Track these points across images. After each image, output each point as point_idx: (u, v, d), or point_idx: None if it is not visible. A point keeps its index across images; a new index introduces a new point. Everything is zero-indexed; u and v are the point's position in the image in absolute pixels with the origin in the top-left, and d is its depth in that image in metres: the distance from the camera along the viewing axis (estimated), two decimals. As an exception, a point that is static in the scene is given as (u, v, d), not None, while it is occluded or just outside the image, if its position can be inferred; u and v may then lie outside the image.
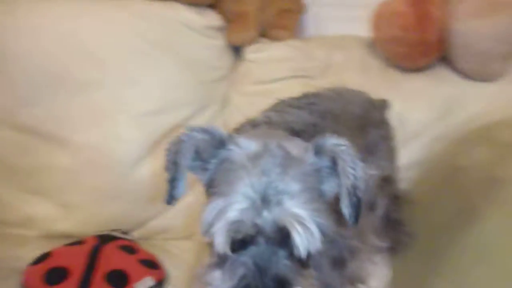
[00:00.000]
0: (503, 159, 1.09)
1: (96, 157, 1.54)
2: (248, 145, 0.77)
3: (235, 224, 0.70)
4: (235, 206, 0.70)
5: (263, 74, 1.66)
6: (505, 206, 1.00)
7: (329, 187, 0.77)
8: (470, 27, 1.38)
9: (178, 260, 1.43)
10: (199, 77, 1.64)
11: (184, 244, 1.57)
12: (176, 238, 1.61)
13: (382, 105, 1.31)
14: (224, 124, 1.62)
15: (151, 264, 1.27)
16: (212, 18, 1.66)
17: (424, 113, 1.53)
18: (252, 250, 0.72)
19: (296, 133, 0.93)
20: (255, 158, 0.74)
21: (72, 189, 1.55)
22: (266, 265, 0.71)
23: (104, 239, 1.32)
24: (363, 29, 1.65)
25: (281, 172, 0.72)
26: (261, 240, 0.71)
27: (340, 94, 1.18)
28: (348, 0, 1.80)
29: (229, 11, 1.68)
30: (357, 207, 0.74)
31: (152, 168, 1.55)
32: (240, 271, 0.72)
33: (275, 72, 1.65)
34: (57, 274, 1.15)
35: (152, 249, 1.42)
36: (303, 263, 0.74)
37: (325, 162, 0.76)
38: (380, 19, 1.53)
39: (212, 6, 1.66)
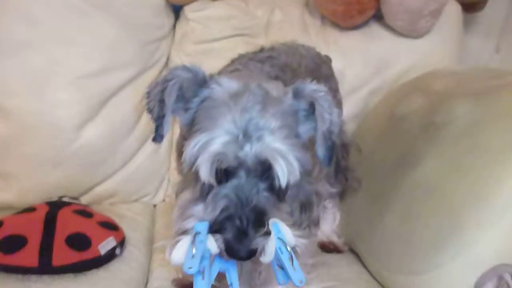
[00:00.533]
0: (437, 106, 1.21)
1: (34, 123, 1.45)
2: (229, 84, 0.81)
3: (219, 156, 0.74)
4: (218, 140, 0.74)
5: (205, 33, 1.65)
6: (442, 147, 1.12)
7: (305, 129, 0.82)
8: (402, -14, 1.49)
9: (133, 222, 1.43)
10: (139, 37, 1.59)
11: (135, 207, 1.57)
12: (125, 202, 1.60)
13: (327, 60, 1.38)
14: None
15: (110, 226, 1.25)
16: (150, -25, 1.61)
17: (360, 68, 1.64)
18: (234, 182, 0.76)
19: None
20: (236, 96, 0.78)
21: (11, 158, 1.46)
22: (246, 196, 0.75)
23: (56, 205, 1.27)
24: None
25: (261, 109, 0.76)
26: (242, 172, 0.75)
27: (293, 49, 1.22)
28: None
29: (166, -32, 1.63)
30: (331, 150, 0.80)
31: (95, 133, 1.51)
32: (222, 203, 0.76)
33: (217, 31, 1.65)
34: (14, 242, 1.09)
35: (105, 213, 1.39)
36: (279, 197, 0.79)
37: (302, 105, 0.81)
38: (316, -23, 1.58)
39: (148, -38, 1.61)
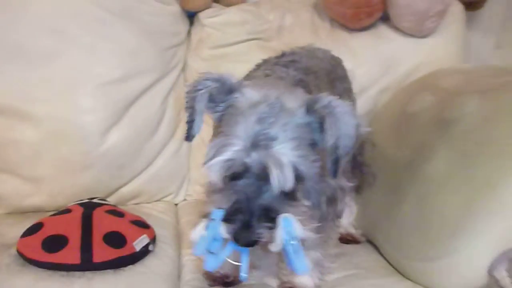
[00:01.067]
0: (447, 103, 1.29)
1: (63, 129, 1.53)
2: (251, 94, 0.89)
3: (228, 162, 0.83)
4: (230, 147, 0.83)
5: (220, 38, 1.73)
6: (453, 141, 1.20)
7: (320, 139, 0.89)
8: (409, -11, 1.56)
9: (159, 220, 1.50)
10: (158, 44, 1.66)
11: (158, 206, 1.64)
12: (149, 202, 1.68)
13: (341, 62, 1.46)
14: (187, 89, 1.68)
15: (142, 224, 1.33)
16: (166, -15, 1.69)
17: (369, 68, 1.71)
18: (243, 182, 0.85)
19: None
20: (253, 106, 0.86)
21: (40, 162, 1.53)
22: (253, 196, 0.84)
23: (88, 206, 1.35)
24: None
25: (273, 121, 0.84)
26: (248, 176, 0.84)
27: (312, 52, 1.29)
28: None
29: (181, -22, 1.71)
30: (336, 163, 0.87)
31: (120, 136, 1.58)
32: (234, 197, 0.86)
33: (232, 36, 1.73)
34: (56, 242, 1.17)
35: (132, 212, 1.47)
36: (291, 196, 0.88)
37: (314, 118, 0.87)
38: (329, -17, 1.66)
39: (164, -27, 1.68)
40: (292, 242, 0.83)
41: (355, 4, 1.62)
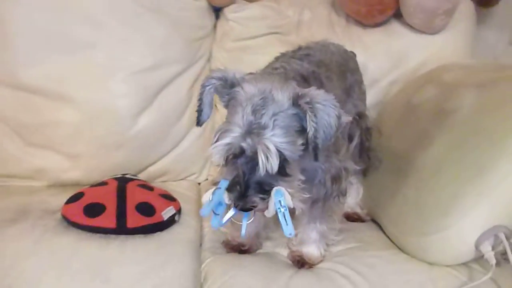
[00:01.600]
0: (447, 95, 1.41)
1: (98, 111, 1.69)
2: (248, 89, 1.03)
3: (228, 145, 1.00)
4: (230, 133, 0.99)
5: (242, 32, 1.87)
6: (450, 130, 1.32)
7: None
8: (418, -12, 1.68)
9: (184, 196, 1.65)
10: (186, 36, 1.81)
11: (183, 184, 1.80)
12: (174, 180, 1.84)
13: (353, 56, 1.59)
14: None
15: (169, 197, 1.50)
16: (195, -18, 1.84)
17: (381, 62, 1.83)
18: (240, 161, 1.01)
19: (304, 78, 1.19)
20: (250, 99, 1.01)
21: (79, 141, 1.70)
22: (248, 173, 1.00)
23: (122, 180, 1.52)
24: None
25: (265, 112, 0.99)
26: (245, 157, 1.00)
27: (326, 47, 1.42)
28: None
29: (208, -25, 1.85)
30: (315, 149, 1.01)
31: (150, 120, 1.74)
32: (234, 172, 1.03)
33: (253, 30, 1.86)
34: (95, 209, 1.34)
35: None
36: (283, 172, 1.03)
37: (300, 110, 1.01)
38: (344, -18, 1.78)
39: (193, -30, 1.83)
40: (282, 210, 0.99)
41: (368, 2, 1.74)
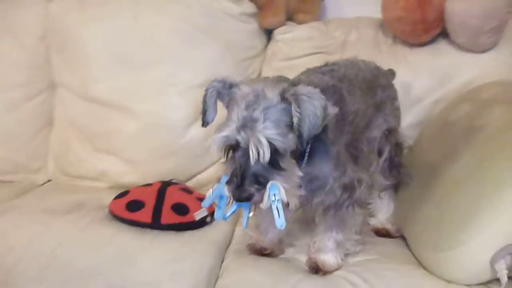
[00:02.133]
0: (479, 112, 1.38)
1: (155, 122, 1.90)
2: (244, 89, 1.12)
3: (224, 138, 1.08)
4: (227, 127, 1.08)
5: (289, 52, 1.98)
6: (476, 147, 1.29)
7: None
8: (462, 7, 1.66)
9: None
10: (236, 56, 1.97)
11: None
12: (220, 188, 1.97)
13: (389, 73, 1.61)
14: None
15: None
16: (247, 6, 1.99)
17: (426, 80, 1.82)
18: (237, 154, 1.09)
19: (321, 90, 1.26)
20: (244, 97, 1.09)
21: (136, 148, 1.91)
22: (244, 165, 1.07)
23: (166, 183, 1.68)
24: (377, 11, 1.94)
25: (257, 107, 1.06)
26: (241, 150, 1.07)
27: (354, 63, 1.47)
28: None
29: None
30: (299, 138, 1.07)
31: (198, 131, 1.89)
32: (233, 166, 1.10)
33: (300, 50, 1.96)
34: (136, 205, 1.51)
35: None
36: (278, 167, 1.08)
37: (288, 104, 1.07)
38: (387, 1, 1.82)
39: (246, -5, 2.00)
40: (275, 203, 1.05)
41: (412, 21, 1.76)
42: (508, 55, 1.77)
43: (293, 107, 1.05)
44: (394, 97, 1.57)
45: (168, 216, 1.49)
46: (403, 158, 1.55)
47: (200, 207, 1.52)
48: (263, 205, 1.08)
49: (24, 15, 2.00)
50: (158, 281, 1.24)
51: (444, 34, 1.82)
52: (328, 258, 1.33)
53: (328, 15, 2.26)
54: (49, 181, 2.05)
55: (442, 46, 1.84)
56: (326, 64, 1.45)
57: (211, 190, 1.15)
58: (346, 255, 1.36)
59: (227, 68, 1.94)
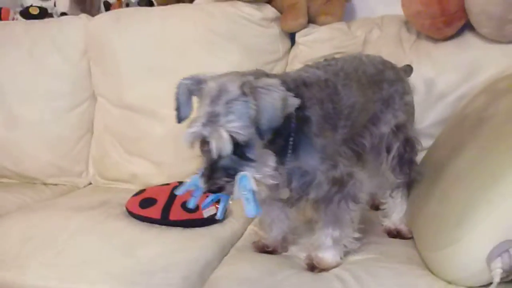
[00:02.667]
0: (490, 102, 1.28)
1: (179, 126, 1.96)
2: (210, 84, 1.13)
3: (192, 134, 1.10)
4: (195, 123, 1.10)
5: (310, 53, 1.97)
6: (480, 138, 1.20)
7: None
8: (483, -5, 1.56)
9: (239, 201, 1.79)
10: (258, 60, 1.99)
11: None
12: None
13: (401, 69, 1.56)
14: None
15: (218, 200, 1.66)
16: (268, 11, 2.02)
17: (450, 76, 1.72)
18: (206, 148, 1.10)
19: (307, 85, 1.26)
20: (210, 92, 1.11)
21: (164, 151, 2.01)
22: (213, 159, 1.08)
23: (181, 183, 1.74)
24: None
25: (219, 102, 1.08)
26: (208, 144, 1.08)
27: (355, 58, 1.44)
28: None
29: (282, 4, 2.03)
30: (257, 130, 1.06)
31: (221, 135, 1.95)
32: (205, 160, 1.12)
33: (320, 51, 1.94)
34: (148, 202, 1.59)
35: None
36: (246, 159, 1.08)
37: (248, 97, 1.07)
38: (406, -4, 1.76)
39: (268, 1, 2.03)
40: (245, 193, 1.05)
41: (431, 15, 1.68)
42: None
43: (251, 99, 1.06)
44: (404, 92, 1.50)
45: (177, 213, 1.54)
46: (414, 155, 1.48)
47: (210, 206, 1.59)
48: (234, 195, 1.10)
49: (68, 32, 2.20)
50: (152, 271, 1.29)
51: (469, 26, 1.72)
52: (327, 256, 1.30)
53: (357, 15, 2.23)
54: (89, 184, 2.21)
55: (467, 39, 1.74)
56: (324, 60, 1.44)
57: (188, 180, 1.19)
58: (346, 253, 1.32)
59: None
